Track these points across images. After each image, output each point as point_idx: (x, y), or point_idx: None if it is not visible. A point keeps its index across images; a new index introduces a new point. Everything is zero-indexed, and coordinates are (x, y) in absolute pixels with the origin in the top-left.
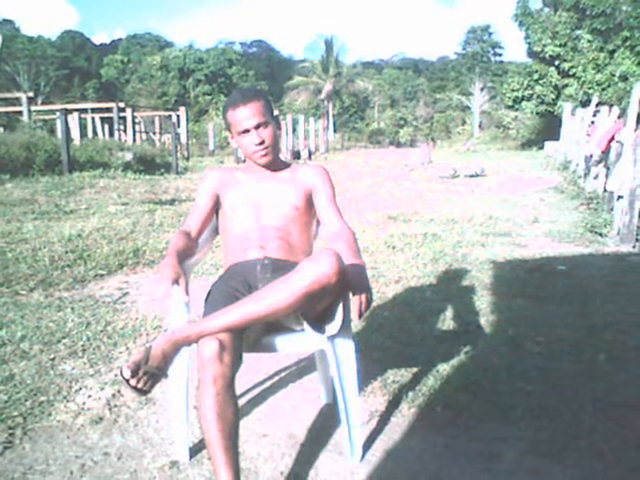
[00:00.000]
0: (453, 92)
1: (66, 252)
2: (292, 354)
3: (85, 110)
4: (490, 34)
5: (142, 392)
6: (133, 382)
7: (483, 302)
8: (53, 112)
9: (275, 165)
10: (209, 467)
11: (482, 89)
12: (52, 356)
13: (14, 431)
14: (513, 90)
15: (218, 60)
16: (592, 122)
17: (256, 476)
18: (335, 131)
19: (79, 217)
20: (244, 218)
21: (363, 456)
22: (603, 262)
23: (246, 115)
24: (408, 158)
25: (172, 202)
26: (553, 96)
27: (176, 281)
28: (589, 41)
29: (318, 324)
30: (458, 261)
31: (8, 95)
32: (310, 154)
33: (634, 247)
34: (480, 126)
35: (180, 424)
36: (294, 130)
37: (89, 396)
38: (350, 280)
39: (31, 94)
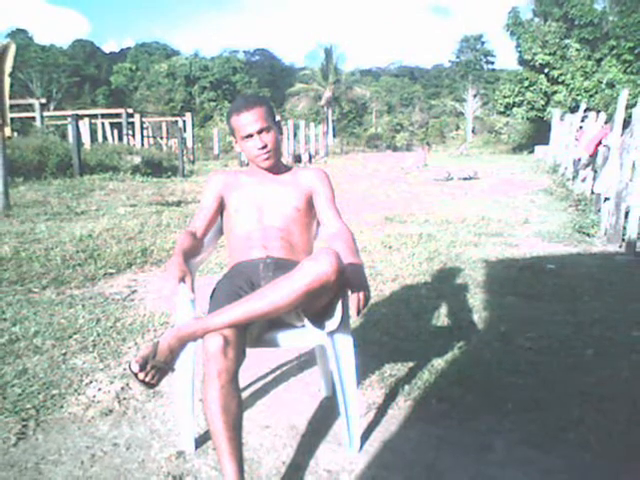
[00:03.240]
0: (447, 99)
1: (77, 252)
2: (293, 349)
3: (95, 116)
4: (483, 43)
5: (150, 385)
6: (141, 376)
7: (476, 299)
8: (65, 118)
9: (277, 168)
10: (214, 457)
11: (475, 96)
12: (64, 351)
13: (27, 423)
14: (505, 96)
15: (222, 68)
16: (580, 127)
17: (259, 466)
18: (334, 136)
19: (89, 218)
20: (247, 219)
21: (361, 447)
22: (591, 261)
23: (249, 120)
24: (404, 161)
25: (178, 204)
26: (543, 102)
27: (182, 279)
28: (577, 50)
29: (318, 320)
30: (452, 260)
31: (22, 101)
32: (310, 158)
33: (620, 247)
34: (473, 131)
35: (186, 416)
36: (295, 135)
37: (99, 389)
38: (349, 278)
39: (44, 100)
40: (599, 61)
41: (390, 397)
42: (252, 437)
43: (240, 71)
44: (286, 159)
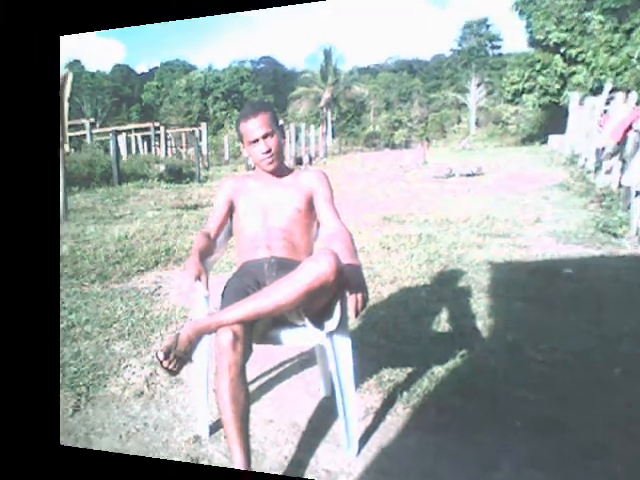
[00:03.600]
0: (448, 90)
1: (116, 251)
2: (295, 347)
3: (130, 130)
4: (488, 27)
5: (172, 373)
6: (165, 364)
7: (480, 304)
8: (107, 134)
9: (280, 171)
10: (225, 444)
11: (479, 85)
12: (107, 337)
13: (80, 398)
14: (513, 83)
15: (232, 78)
16: (605, 111)
17: (264, 458)
18: (333, 137)
19: (126, 221)
20: (253, 221)
21: (359, 451)
22: (618, 265)
23: (255, 126)
24: (402, 159)
25: (195, 207)
26: (558, 86)
27: (198, 277)
28: (601, 22)
29: (318, 320)
30: (453, 262)
31: (75, 122)
32: (311, 159)
33: None
34: (477, 123)
35: (201, 405)
36: (297, 138)
37: (133, 373)
38: (347, 279)
39: (92, 120)
40: (629, 32)
41: (388, 403)
42: (258, 430)
43: (247, 80)
44: (288, 162)
